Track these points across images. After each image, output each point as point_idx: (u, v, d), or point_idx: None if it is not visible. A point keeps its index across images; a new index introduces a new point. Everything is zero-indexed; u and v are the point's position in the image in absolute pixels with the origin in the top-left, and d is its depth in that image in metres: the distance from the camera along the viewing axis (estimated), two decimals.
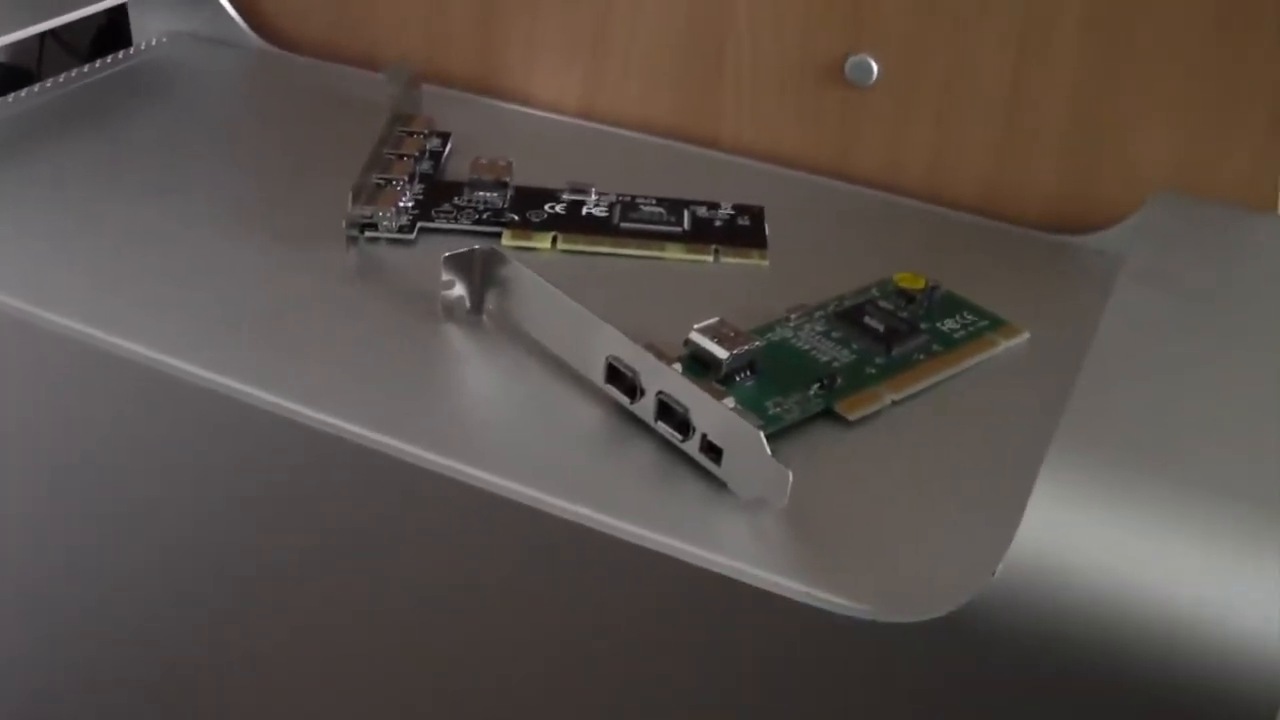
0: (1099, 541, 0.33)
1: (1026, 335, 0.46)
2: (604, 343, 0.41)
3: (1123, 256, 0.47)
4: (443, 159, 0.55)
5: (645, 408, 0.40)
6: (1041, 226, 0.54)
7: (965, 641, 0.33)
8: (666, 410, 0.39)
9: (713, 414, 0.38)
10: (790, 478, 0.36)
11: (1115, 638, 0.32)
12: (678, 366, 0.39)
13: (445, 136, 0.56)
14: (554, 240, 0.50)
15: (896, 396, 0.42)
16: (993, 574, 0.33)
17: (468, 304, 0.45)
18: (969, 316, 0.47)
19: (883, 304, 0.46)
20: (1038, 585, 0.32)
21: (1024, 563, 0.32)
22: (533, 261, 0.47)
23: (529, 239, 0.50)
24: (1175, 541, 0.33)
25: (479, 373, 0.43)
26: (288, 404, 0.40)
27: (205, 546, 0.44)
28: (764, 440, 0.36)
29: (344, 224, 0.47)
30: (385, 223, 0.49)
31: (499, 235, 0.50)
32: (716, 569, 0.36)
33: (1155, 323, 0.41)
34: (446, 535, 0.39)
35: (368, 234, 0.49)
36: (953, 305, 0.47)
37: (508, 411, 0.41)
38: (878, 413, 0.42)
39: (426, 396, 0.41)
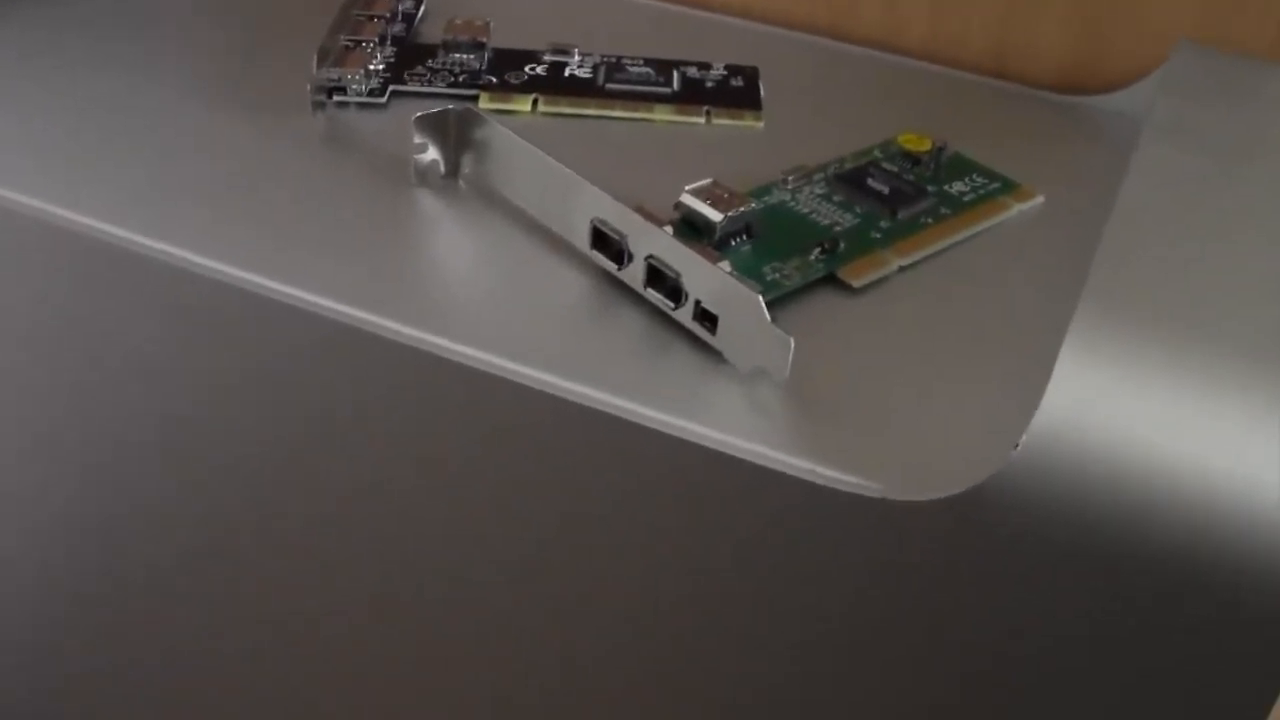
0: (1128, 413, 0.30)
1: (1040, 199, 0.43)
2: (588, 205, 0.38)
3: (1141, 115, 0.44)
4: (415, 21, 0.51)
5: (634, 274, 0.37)
6: (1052, 87, 0.51)
7: (984, 521, 0.31)
8: (656, 276, 0.36)
9: (707, 278, 0.35)
10: (792, 346, 0.33)
11: (1144, 514, 0.29)
12: (668, 229, 0.37)
13: None
14: (534, 103, 0.47)
15: (904, 262, 0.39)
16: (1015, 447, 0.30)
17: (442, 168, 0.42)
18: (979, 179, 0.44)
19: (886, 166, 0.43)
20: (1063, 459, 0.30)
21: (1049, 435, 0.30)
22: (512, 125, 0.44)
23: (508, 102, 0.47)
24: (1207, 412, 0.30)
25: (455, 240, 0.40)
26: (251, 276, 0.38)
27: (167, 430, 0.42)
28: (763, 306, 0.33)
29: (309, 88, 0.44)
30: (354, 86, 0.46)
31: (476, 98, 0.47)
32: (713, 445, 0.33)
33: (1181, 180, 0.38)
34: (423, 413, 0.37)
35: (336, 98, 0.46)
36: (961, 167, 0.44)
37: (486, 281, 0.38)
38: (884, 279, 0.39)
39: (399, 266, 0.38)
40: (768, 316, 0.33)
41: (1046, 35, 0.51)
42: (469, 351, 0.35)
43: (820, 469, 0.32)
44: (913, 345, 0.37)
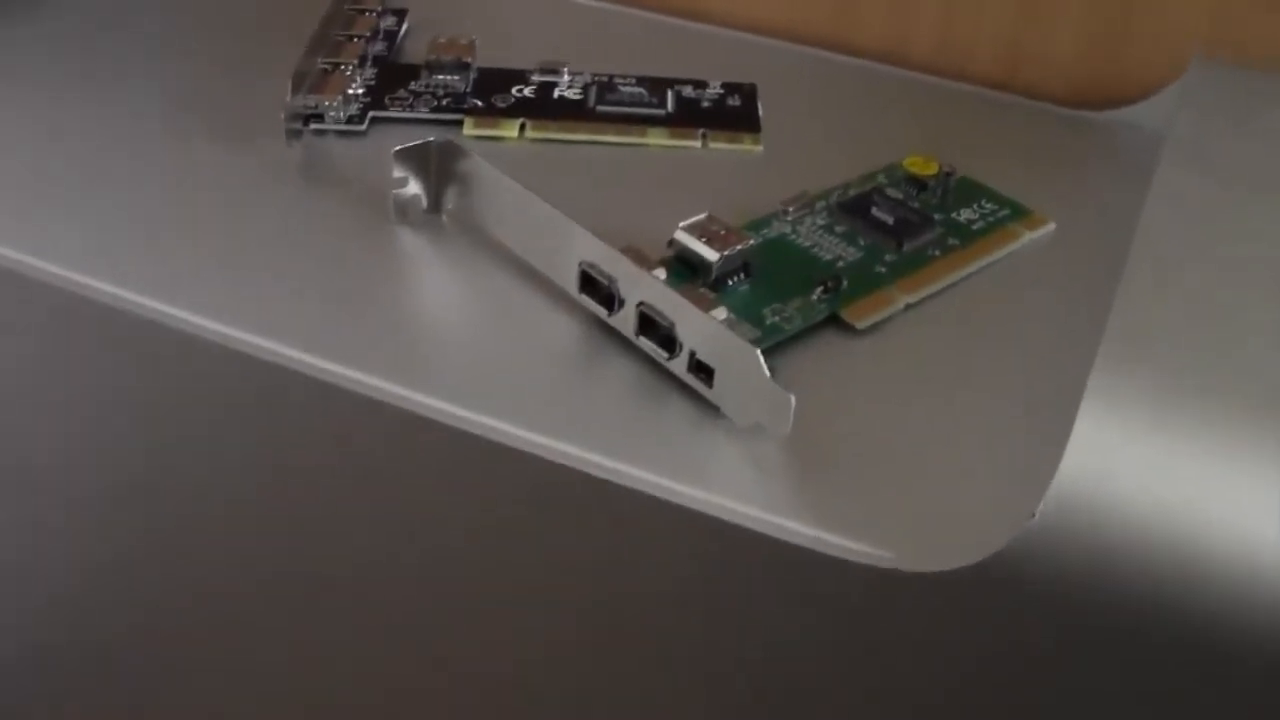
0: (1157, 475, 0.28)
1: (1052, 226, 0.41)
2: (576, 247, 0.35)
3: (1159, 133, 0.42)
4: (398, 39, 0.49)
5: (625, 320, 0.35)
6: (1064, 101, 0.49)
7: (1000, 592, 0.29)
8: (649, 324, 0.34)
9: (701, 328, 0.33)
10: (793, 403, 0.31)
11: (1174, 583, 0.27)
12: (661, 272, 0.34)
13: (401, 14, 0.51)
14: (522, 128, 0.45)
15: (910, 299, 0.37)
16: (1032, 515, 0.28)
17: (424, 203, 0.40)
18: (988, 205, 0.41)
19: (891, 193, 0.41)
20: (1085, 527, 0.28)
21: (1068, 501, 0.28)
22: (498, 152, 0.42)
23: (494, 127, 0.44)
24: (1241, 471, 0.28)
25: (435, 283, 0.38)
26: (214, 325, 0.35)
27: (129, 487, 0.40)
28: (761, 360, 0.31)
29: (283, 116, 0.42)
30: (332, 113, 0.44)
31: (460, 123, 0.44)
32: (707, 509, 0.31)
33: (1204, 211, 0.36)
34: (397, 473, 0.35)
35: (313, 126, 0.44)
36: (970, 192, 0.42)
37: (468, 328, 0.36)
38: (890, 318, 0.37)
39: (374, 312, 0.36)
40: (766, 372, 0.31)
41: (1057, 45, 0.49)
42: (444, 406, 0.33)
43: (826, 535, 0.30)
44: (920, 393, 0.34)
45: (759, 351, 0.31)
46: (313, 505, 0.37)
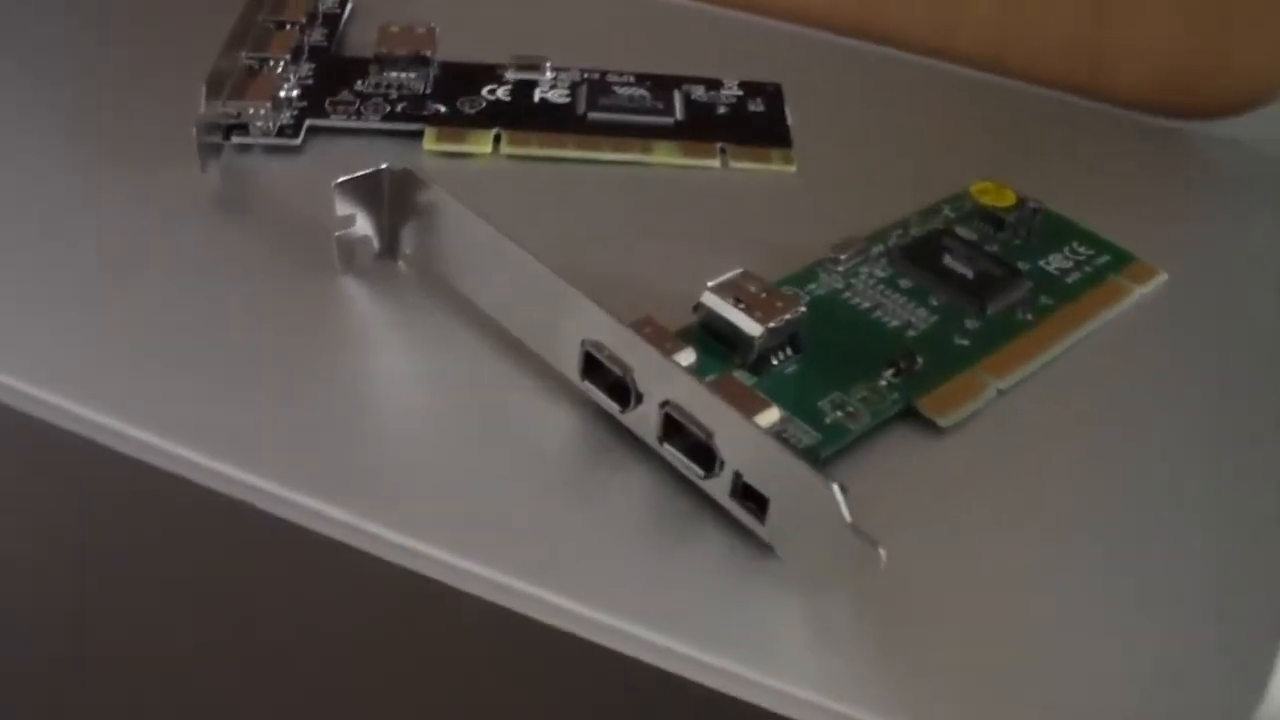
0: None
1: (1164, 277, 0.33)
2: (577, 320, 0.27)
3: (1269, 153, 0.35)
4: (340, 25, 0.40)
5: (644, 421, 0.26)
6: (1147, 107, 0.41)
7: None
8: (676, 427, 0.26)
9: (750, 442, 0.24)
10: (883, 559, 0.22)
11: None
12: (689, 354, 0.26)
13: None
14: (496, 140, 0.36)
15: (1003, 384, 0.29)
16: None
17: (375, 245, 0.31)
18: (1082, 250, 0.33)
19: (963, 233, 0.33)
20: None
21: None
22: (466, 173, 0.34)
23: (461, 140, 0.36)
24: None
25: (389, 357, 0.29)
26: (104, 421, 0.27)
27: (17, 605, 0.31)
28: (841, 500, 0.23)
29: (195, 130, 0.33)
30: (259, 122, 0.35)
31: (420, 134, 0.36)
32: (755, 696, 0.23)
33: None
34: (345, 622, 0.26)
35: (235, 139, 0.35)
36: (1058, 231, 0.34)
37: (429, 427, 0.27)
38: (980, 410, 0.28)
39: (306, 400, 0.28)
40: (848, 515, 0.23)
41: (1142, 41, 0.40)
42: (397, 539, 0.25)
43: None
44: (1034, 522, 0.26)
45: (838, 488, 0.23)
46: (236, 654, 0.28)
